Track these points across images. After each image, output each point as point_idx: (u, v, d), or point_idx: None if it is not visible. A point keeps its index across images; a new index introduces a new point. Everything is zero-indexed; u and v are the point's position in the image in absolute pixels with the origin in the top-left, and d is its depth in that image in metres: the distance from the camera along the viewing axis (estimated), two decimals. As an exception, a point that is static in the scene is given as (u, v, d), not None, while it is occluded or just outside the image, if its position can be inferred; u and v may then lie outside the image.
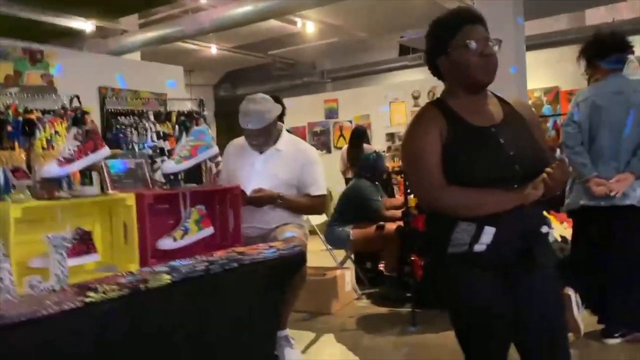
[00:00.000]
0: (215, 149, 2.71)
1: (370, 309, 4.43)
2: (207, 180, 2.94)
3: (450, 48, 1.76)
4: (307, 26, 9.01)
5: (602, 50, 3.23)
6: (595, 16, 10.86)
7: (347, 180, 6.76)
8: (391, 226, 4.52)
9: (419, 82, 9.36)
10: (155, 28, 8.54)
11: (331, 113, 9.39)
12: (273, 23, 8.56)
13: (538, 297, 1.75)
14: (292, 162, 3.14)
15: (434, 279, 1.93)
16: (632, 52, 3.29)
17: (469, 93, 1.78)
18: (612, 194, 3.08)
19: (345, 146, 7.47)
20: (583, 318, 3.22)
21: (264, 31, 8.99)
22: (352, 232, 4.61)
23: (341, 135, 9.46)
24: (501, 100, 1.88)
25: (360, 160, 5.13)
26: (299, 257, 2.59)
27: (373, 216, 4.64)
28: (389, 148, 9.02)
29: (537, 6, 8.51)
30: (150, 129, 4.44)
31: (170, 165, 2.50)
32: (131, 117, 4.63)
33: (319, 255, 5.02)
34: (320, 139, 9.54)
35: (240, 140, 3.24)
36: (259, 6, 7.43)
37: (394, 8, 8.36)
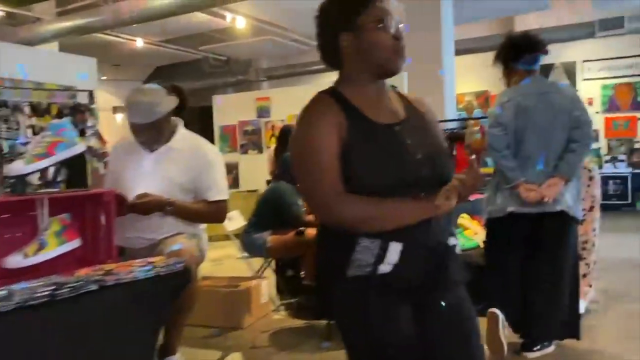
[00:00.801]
0: (80, 147, 2.22)
1: (287, 322, 4.04)
2: (93, 184, 2.46)
3: (359, 23, 1.44)
4: (238, 21, 8.54)
5: (515, 52, 3.04)
6: (524, 23, 10.94)
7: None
8: (312, 232, 4.13)
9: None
10: (72, 17, 7.85)
11: (263, 112, 8.94)
12: (201, 17, 8.05)
13: (451, 328, 1.51)
14: (188, 163, 2.70)
15: (330, 306, 1.55)
16: (545, 52, 3.09)
17: (374, 81, 1.50)
18: (545, 200, 2.84)
19: (273, 146, 7.06)
20: (505, 335, 2.96)
21: (192, 25, 8.48)
22: (270, 238, 4.19)
23: (273, 134, 9.05)
24: (400, 94, 1.61)
25: (280, 161, 4.72)
26: (182, 275, 2.16)
27: (293, 222, 4.24)
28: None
29: (465, 11, 8.44)
30: (23, 123, 3.80)
31: (17, 166, 2.00)
32: (4, 108, 3.90)
33: (236, 264, 4.59)
34: (252, 138, 9.08)
35: (131, 137, 2.76)
36: (182, -3, 6.93)
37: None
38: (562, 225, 2.91)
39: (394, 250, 1.40)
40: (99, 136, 4.33)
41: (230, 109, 9.29)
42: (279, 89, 10.28)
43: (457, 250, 1.52)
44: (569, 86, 3.05)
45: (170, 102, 2.71)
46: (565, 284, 2.90)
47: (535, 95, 2.97)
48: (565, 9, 10.66)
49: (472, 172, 1.43)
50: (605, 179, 9.71)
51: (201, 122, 12.33)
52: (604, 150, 10.70)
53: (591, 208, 3.71)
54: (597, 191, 3.77)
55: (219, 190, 2.72)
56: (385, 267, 1.40)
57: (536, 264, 2.95)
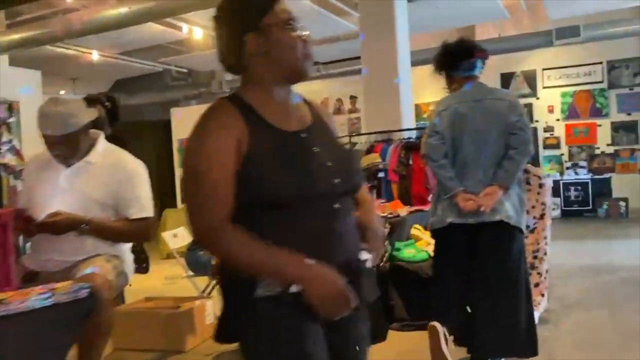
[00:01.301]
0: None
1: (233, 344, 3.82)
2: (10, 202, 2.24)
3: (266, 23, 1.35)
4: (195, 32, 8.36)
5: (452, 60, 2.94)
6: (485, 32, 11.02)
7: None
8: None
9: (313, 93, 8.95)
10: (21, 29, 7.56)
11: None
12: (155, 28, 7.84)
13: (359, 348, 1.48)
14: (107, 178, 2.50)
15: (236, 329, 1.40)
16: (482, 56, 2.97)
17: (280, 85, 1.39)
18: (482, 209, 2.71)
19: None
20: (451, 350, 2.81)
21: (148, 37, 8.25)
22: (216, 255, 3.99)
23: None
24: (306, 101, 1.50)
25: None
26: (86, 302, 1.97)
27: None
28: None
29: (425, 21, 8.43)
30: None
31: None
32: None
33: (189, 283, 4.37)
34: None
35: (47, 151, 2.55)
36: (133, 8, 6.72)
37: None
38: (503, 235, 2.77)
39: None
40: (16, 152, 4.08)
41: (189, 122, 9.03)
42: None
43: (368, 264, 1.41)
44: (508, 92, 2.95)
45: (88, 114, 2.52)
46: (511, 297, 2.77)
47: (471, 102, 2.86)
48: (524, 18, 10.77)
49: (376, 239, 1.43)
50: (566, 186, 9.79)
51: (161, 135, 12.10)
52: (565, 157, 10.78)
53: (542, 216, 3.61)
54: (548, 199, 3.68)
55: (142, 207, 2.52)
56: (297, 286, 1.29)
57: (478, 276, 2.82)
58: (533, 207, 3.61)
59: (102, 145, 2.60)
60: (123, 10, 6.85)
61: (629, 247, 6.64)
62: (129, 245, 2.70)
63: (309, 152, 1.34)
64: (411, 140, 5.76)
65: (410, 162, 5.67)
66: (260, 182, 1.28)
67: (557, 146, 10.97)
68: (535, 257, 3.56)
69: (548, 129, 11.06)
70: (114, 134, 3.86)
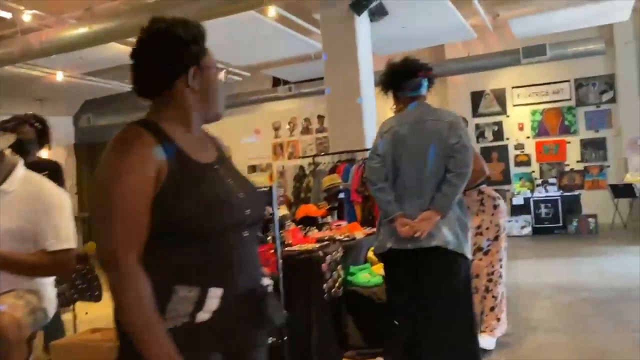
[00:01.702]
0: None
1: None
2: None
3: (205, 61, 1.43)
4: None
5: (396, 80, 2.87)
6: (454, 51, 11.08)
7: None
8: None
9: (286, 112, 8.85)
10: (-21, 50, 7.38)
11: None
12: (118, 48, 7.70)
13: None
14: (24, 208, 2.33)
15: None
16: (426, 75, 2.89)
17: (199, 121, 1.45)
18: (417, 234, 2.60)
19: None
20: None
21: (111, 57, 8.09)
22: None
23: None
24: (206, 134, 1.53)
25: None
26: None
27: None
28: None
29: (394, 42, 8.41)
30: None
31: None
32: None
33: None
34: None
35: (-37, 179, 2.38)
36: (94, 28, 6.59)
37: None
38: (442, 261, 2.66)
39: (214, 296, 1.31)
40: None
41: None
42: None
43: (270, 289, 1.44)
44: (451, 112, 2.85)
45: (1, 140, 2.36)
46: (452, 325, 2.65)
47: (412, 123, 2.77)
48: (493, 37, 10.83)
49: None
50: (537, 203, 9.76)
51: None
52: (536, 174, 10.80)
53: (496, 237, 3.52)
54: (503, 220, 3.59)
55: (61, 238, 2.35)
56: (203, 315, 1.30)
57: (420, 304, 2.70)
58: (487, 228, 3.51)
59: (21, 172, 2.44)
60: (83, 30, 6.73)
61: (595, 266, 6.59)
62: (51, 279, 2.52)
63: (224, 183, 1.38)
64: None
65: (373, 182, 5.57)
66: (179, 213, 1.27)
67: (527, 163, 11.00)
68: (490, 280, 3.46)
69: (519, 146, 11.10)
70: (49, 161, 3.70)
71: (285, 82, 11.15)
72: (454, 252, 2.65)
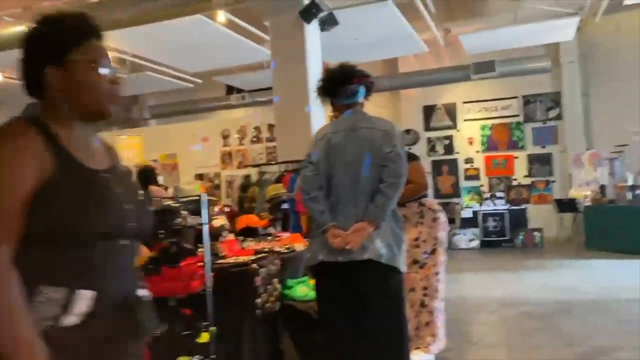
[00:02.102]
0: None
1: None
2: None
3: (70, 59, 1.31)
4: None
5: (332, 87, 2.75)
6: (407, 64, 11.15)
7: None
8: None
9: (237, 120, 8.63)
10: None
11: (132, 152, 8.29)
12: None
13: None
14: None
15: None
16: (362, 82, 2.75)
17: (81, 122, 1.36)
18: (348, 247, 2.47)
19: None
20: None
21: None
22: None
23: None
24: (103, 141, 1.45)
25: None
26: None
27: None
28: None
29: (343, 52, 8.34)
30: None
31: None
32: None
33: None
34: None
35: None
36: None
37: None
38: (374, 275, 2.52)
39: (84, 299, 1.23)
40: None
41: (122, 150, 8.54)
42: (151, 128, 9.64)
43: (146, 300, 1.38)
44: (387, 121, 2.74)
45: None
46: (383, 343, 2.52)
47: (346, 131, 2.64)
48: (444, 52, 10.96)
49: None
50: (485, 216, 9.84)
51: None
52: (485, 188, 10.93)
53: (433, 251, 3.42)
54: (442, 233, 3.49)
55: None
56: (71, 319, 1.22)
57: (352, 319, 2.56)
58: (425, 241, 3.41)
59: None
60: (21, 28, 6.38)
61: (539, 279, 6.63)
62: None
63: (111, 192, 1.32)
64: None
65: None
66: (57, 214, 1.22)
67: (477, 177, 11.13)
68: (425, 295, 3.35)
69: (468, 160, 11.22)
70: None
71: (240, 91, 10.96)
72: (386, 265, 2.51)
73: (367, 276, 2.53)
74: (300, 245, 4.17)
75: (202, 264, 3.12)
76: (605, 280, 6.27)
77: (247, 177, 5.80)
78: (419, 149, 11.37)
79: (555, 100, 10.63)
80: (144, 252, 3.36)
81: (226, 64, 8.52)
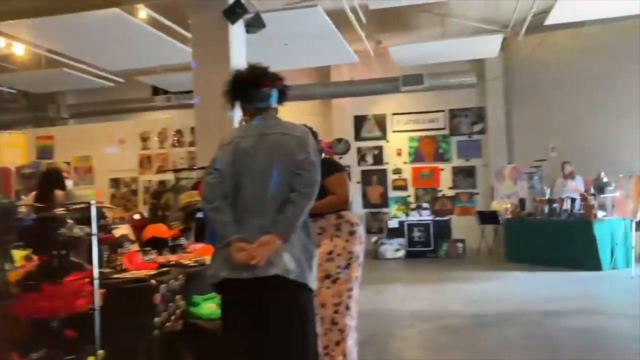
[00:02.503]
0: None
1: None
2: None
3: None
4: (15, 48, 7.27)
5: (242, 90, 2.54)
6: (339, 73, 11.07)
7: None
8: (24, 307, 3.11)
9: (159, 122, 8.16)
10: None
11: (45, 153, 7.64)
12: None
13: None
14: None
15: None
16: (275, 86, 2.54)
17: None
18: (254, 261, 2.24)
19: (33, 193, 5.86)
20: None
21: None
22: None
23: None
24: None
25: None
26: None
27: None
28: (112, 195, 7.57)
29: (273, 58, 8.11)
30: None
31: None
32: None
33: None
34: (29, 183, 7.68)
35: None
36: None
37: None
38: (282, 292, 2.30)
39: None
40: None
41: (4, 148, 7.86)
42: (64, 127, 8.97)
43: None
44: (300, 127, 2.57)
45: None
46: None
47: (256, 135, 2.42)
48: (376, 64, 10.96)
49: None
50: (410, 227, 9.86)
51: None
52: (412, 199, 10.99)
53: (347, 265, 3.22)
54: (358, 247, 3.30)
55: None
56: None
57: (258, 340, 2.32)
58: (339, 254, 3.21)
59: None
60: None
61: (459, 291, 6.64)
62: None
63: None
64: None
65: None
66: None
67: (404, 188, 11.18)
68: (336, 312, 3.14)
69: (396, 171, 11.26)
70: None
71: (166, 92, 10.47)
72: (295, 281, 2.30)
73: (273, 293, 2.29)
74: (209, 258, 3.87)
75: (90, 279, 2.76)
76: (522, 293, 6.35)
77: (161, 183, 5.42)
78: (350, 159, 11.31)
79: (479, 115, 10.87)
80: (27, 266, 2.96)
81: (149, 63, 8.06)
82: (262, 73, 2.55)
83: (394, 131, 11.29)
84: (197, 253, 3.95)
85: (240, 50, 5.93)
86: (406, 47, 8.94)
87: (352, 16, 7.58)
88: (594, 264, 7.40)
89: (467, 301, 5.96)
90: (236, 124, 5.69)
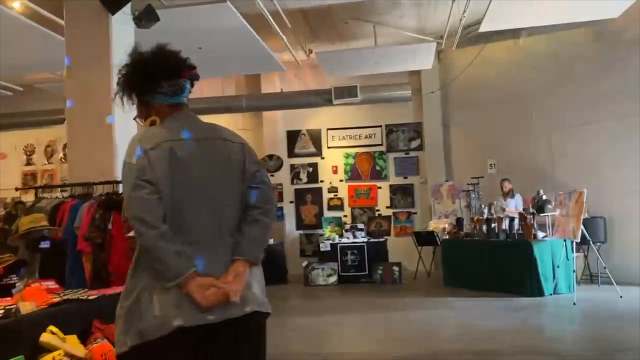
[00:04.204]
0: None
1: None
2: None
3: None
4: None
5: (147, 81, 1.90)
6: (270, 84, 10.23)
7: None
8: None
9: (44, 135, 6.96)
10: None
11: None
12: None
13: None
14: None
15: None
16: (196, 77, 1.96)
17: None
18: (233, 299, 1.74)
19: None
20: None
21: None
22: None
23: None
24: None
25: None
26: None
27: None
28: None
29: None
30: None
31: None
32: None
33: None
34: None
35: None
36: None
37: None
38: (254, 330, 1.82)
39: None
40: None
41: None
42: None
43: None
44: (233, 132, 2.00)
45: None
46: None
47: (192, 141, 1.84)
48: (308, 75, 10.18)
49: None
50: (343, 249, 8.95)
51: None
52: (348, 219, 10.14)
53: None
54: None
55: None
56: None
57: None
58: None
59: None
60: None
61: (383, 324, 5.76)
62: None
63: None
64: (113, 196, 4.20)
65: (110, 226, 4.12)
66: None
67: (341, 207, 10.34)
68: None
69: (332, 189, 10.42)
70: None
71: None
72: (267, 314, 1.87)
73: (246, 334, 1.80)
74: (30, 305, 2.83)
75: None
76: (455, 325, 5.53)
77: (17, 204, 4.32)
78: (282, 176, 10.40)
79: (417, 130, 10.20)
80: None
81: (29, 62, 6.80)
82: (179, 58, 1.92)
83: (329, 147, 10.48)
84: (16, 298, 2.90)
85: (126, 46, 4.92)
86: (335, 55, 8.17)
87: (270, 17, 6.73)
88: (534, 289, 6.69)
89: (389, 338, 5.08)
90: (118, 135, 4.68)
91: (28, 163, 6.55)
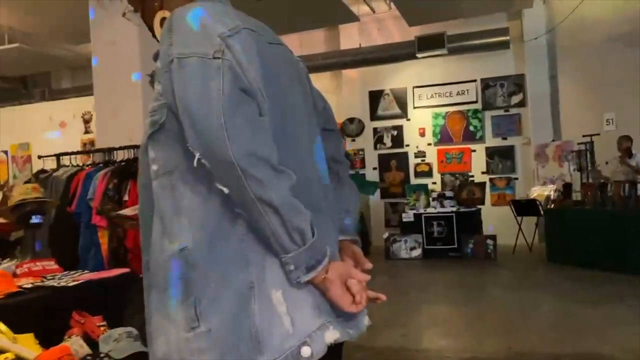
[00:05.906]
0: None
1: None
2: None
3: None
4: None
5: None
6: (348, 43, 9.32)
7: None
8: None
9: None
10: None
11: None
12: None
13: None
14: None
15: None
16: None
17: None
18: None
19: None
20: None
21: None
22: None
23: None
24: None
25: None
26: None
27: None
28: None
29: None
30: None
31: None
32: None
33: None
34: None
35: None
36: None
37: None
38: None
39: None
40: None
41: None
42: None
43: None
44: None
45: None
46: None
47: (276, 43, 1.13)
48: (393, 27, 9.13)
49: None
50: (428, 220, 7.96)
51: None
52: (438, 186, 9.09)
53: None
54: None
55: None
56: None
57: None
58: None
59: None
60: None
61: (467, 311, 4.81)
62: None
63: None
64: (133, 162, 3.68)
65: (126, 196, 3.61)
66: None
67: (429, 174, 9.30)
68: None
69: (419, 154, 9.38)
70: None
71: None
72: None
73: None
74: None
75: None
76: (554, 315, 4.45)
77: (42, 172, 3.96)
78: (364, 141, 9.55)
79: (518, 83, 8.77)
80: None
81: None
82: None
83: (415, 107, 9.40)
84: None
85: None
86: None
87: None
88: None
89: (463, 331, 4.14)
90: (145, 94, 4.14)
91: (86, 131, 6.40)
